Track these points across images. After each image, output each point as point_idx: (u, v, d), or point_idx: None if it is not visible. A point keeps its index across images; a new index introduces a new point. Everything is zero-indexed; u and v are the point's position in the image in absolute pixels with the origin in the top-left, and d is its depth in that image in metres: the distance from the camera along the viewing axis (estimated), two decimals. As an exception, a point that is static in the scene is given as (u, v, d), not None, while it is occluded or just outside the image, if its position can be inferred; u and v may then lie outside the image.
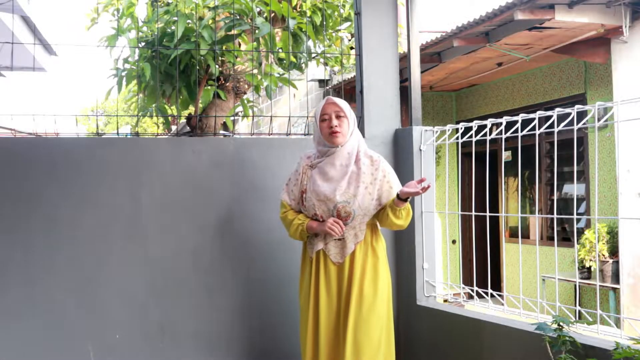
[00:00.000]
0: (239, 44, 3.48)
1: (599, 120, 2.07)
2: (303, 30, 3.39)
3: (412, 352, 2.81)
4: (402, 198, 2.13)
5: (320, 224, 2.20)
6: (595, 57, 5.14)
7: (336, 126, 2.20)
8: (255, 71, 3.35)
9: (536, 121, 2.21)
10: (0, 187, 2.51)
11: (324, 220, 2.20)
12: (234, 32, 3.23)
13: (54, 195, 2.56)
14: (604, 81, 5.42)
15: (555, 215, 2.51)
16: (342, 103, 2.26)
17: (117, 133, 2.90)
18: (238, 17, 3.23)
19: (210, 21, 3.21)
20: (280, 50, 3.44)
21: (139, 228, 2.66)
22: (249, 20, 3.26)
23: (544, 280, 5.45)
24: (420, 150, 2.80)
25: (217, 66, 3.28)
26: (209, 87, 3.55)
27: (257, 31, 3.16)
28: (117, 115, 2.98)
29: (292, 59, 3.41)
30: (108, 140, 2.87)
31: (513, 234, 6.70)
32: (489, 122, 2.48)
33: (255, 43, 3.31)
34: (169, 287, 2.64)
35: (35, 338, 2.48)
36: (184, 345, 2.65)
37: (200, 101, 3.43)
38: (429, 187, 2.10)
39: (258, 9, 3.35)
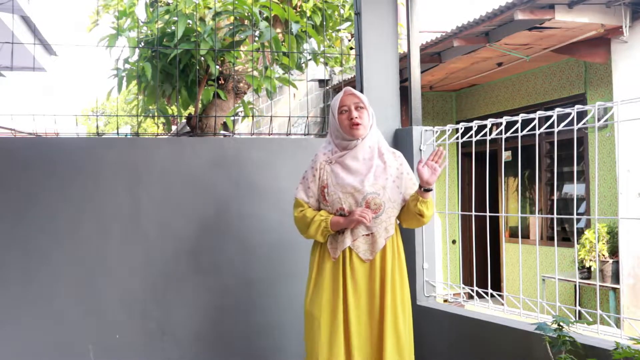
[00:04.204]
0: (240, 46, 3.48)
1: (599, 120, 2.07)
2: (304, 30, 3.40)
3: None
4: (426, 189, 2.08)
5: (347, 217, 2.06)
6: (595, 57, 5.14)
7: (357, 117, 2.10)
8: (255, 73, 3.35)
9: (536, 121, 2.21)
10: (0, 187, 2.51)
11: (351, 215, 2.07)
12: (237, 38, 3.23)
13: (53, 196, 2.56)
14: (604, 81, 5.42)
15: (555, 215, 2.51)
16: (360, 94, 2.18)
17: (117, 133, 2.90)
18: (241, 24, 3.23)
19: (211, 22, 3.21)
20: (281, 51, 3.44)
21: (138, 228, 2.65)
22: (252, 26, 3.26)
23: (544, 280, 5.45)
24: (420, 150, 2.80)
25: (217, 66, 3.28)
26: (209, 87, 3.55)
27: (259, 36, 3.17)
28: (117, 115, 2.98)
29: (289, 59, 3.40)
30: (108, 141, 2.86)
31: (513, 234, 6.70)
32: (489, 122, 2.48)
33: (256, 44, 3.31)
34: (168, 287, 2.64)
35: (35, 338, 2.48)
36: (184, 346, 2.65)
37: (200, 101, 3.43)
38: (441, 154, 2.07)
39: (257, 10, 3.35)
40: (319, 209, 2.16)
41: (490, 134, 2.47)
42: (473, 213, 2.65)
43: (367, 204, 2.06)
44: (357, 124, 2.10)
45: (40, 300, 2.51)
